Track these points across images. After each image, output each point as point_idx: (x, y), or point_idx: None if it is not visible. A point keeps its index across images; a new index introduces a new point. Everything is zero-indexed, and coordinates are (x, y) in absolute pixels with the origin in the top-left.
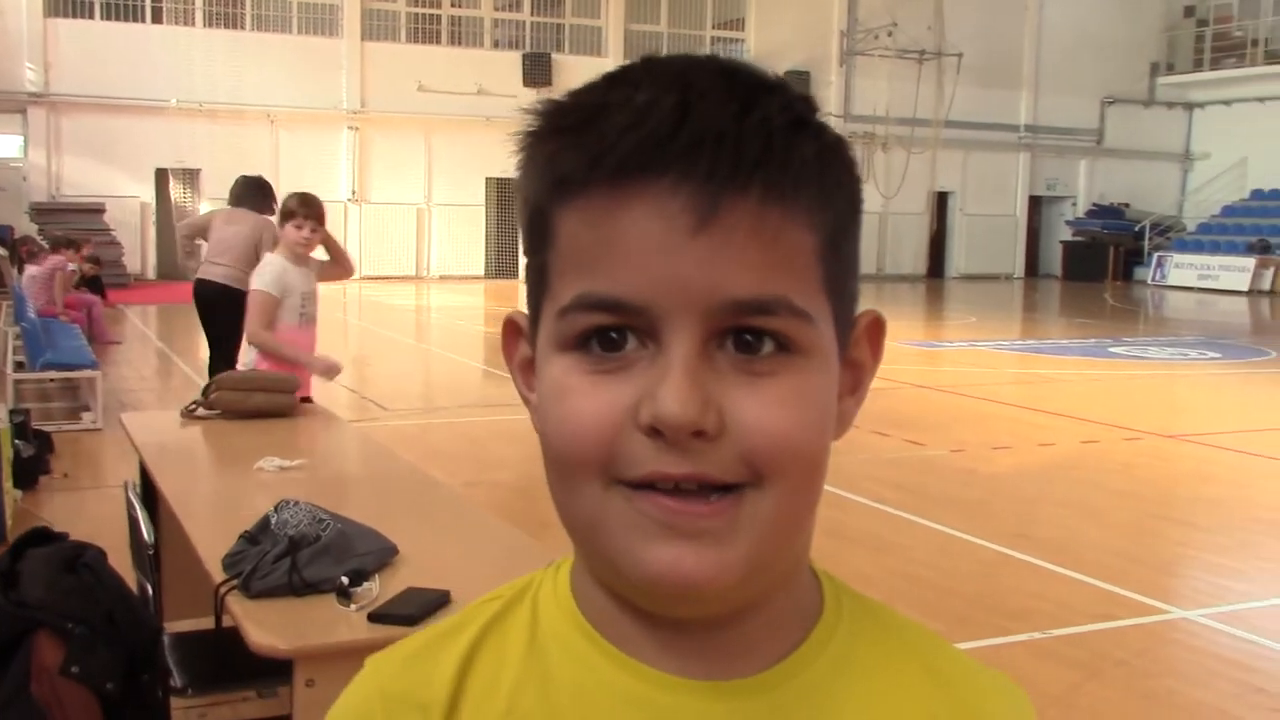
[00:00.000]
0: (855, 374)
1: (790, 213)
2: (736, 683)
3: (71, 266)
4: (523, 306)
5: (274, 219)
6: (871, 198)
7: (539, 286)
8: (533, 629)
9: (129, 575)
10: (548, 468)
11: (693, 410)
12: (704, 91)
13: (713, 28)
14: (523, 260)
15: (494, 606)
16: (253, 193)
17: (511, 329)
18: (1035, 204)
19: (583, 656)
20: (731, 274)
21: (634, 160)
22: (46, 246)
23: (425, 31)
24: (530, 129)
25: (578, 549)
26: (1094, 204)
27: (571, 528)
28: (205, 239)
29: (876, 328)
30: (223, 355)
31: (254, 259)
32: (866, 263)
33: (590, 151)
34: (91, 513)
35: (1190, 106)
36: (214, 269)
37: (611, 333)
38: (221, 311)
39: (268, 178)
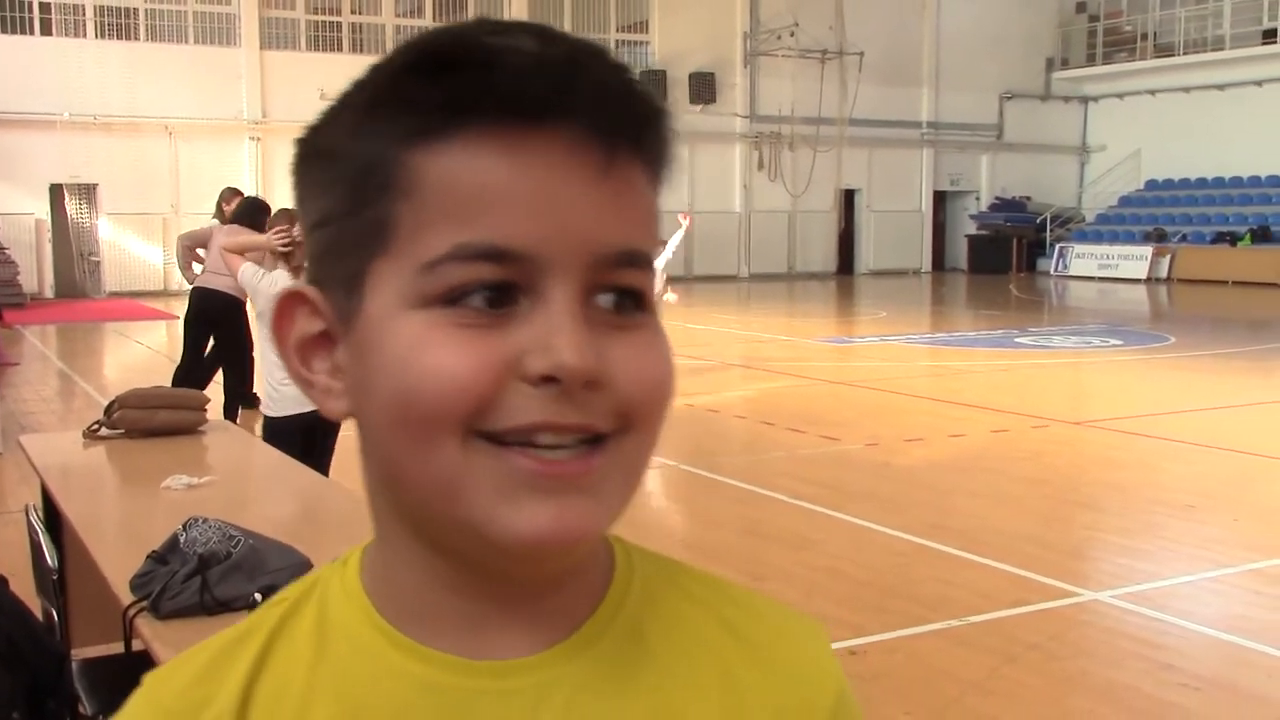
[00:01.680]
0: None
1: (652, 173)
2: (536, 658)
3: None
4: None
5: None
6: (780, 196)
7: (372, 243)
8: (321, 628)
9: (33, 602)
10: (387, 431)
11: (590, 358)
12: (578, 46)
13: (616, 30)
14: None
15: (280, 610)
16: (252, 212)
17: (295, 302)
18: (940, 199)
19: (374, 649)
20: (616, 225)
21: (545, 104)
22: None
23: (326, 39)
24: (392, 66)
25: (409, 529)
26: (996, 198)
27: (419, 495)
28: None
29: None
30: (229, 361)
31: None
32: (777, 261)
33: (492, 90)
34: None
35: (1085, 100)
36: (221, 279)
37: (490, 289)
38: (226, 321)
39: (168, 190)
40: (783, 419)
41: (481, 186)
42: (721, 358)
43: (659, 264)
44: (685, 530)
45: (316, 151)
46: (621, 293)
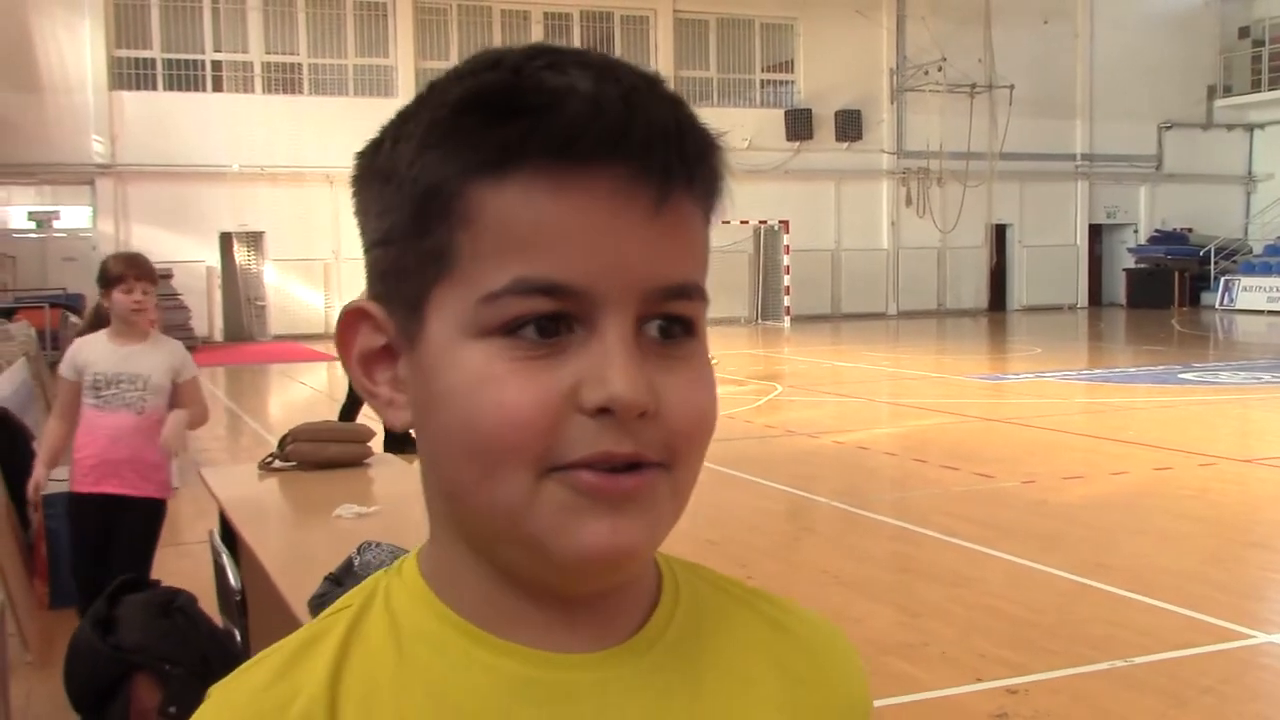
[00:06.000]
0: None
1: (703, 208)
2: (613, 651)
3: None
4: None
5: None
6: (928, 233)
7: (433, 268)
8: (395, 633)
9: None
10: (454, 458)
11: (641, 391)
12: (634, 86)
13: (762, 70)
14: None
15: (346, 615)
16: None
17: (358, 316)
18: (1096, 232)
19: (456, 648)
20: (668, 260)
21: (600, 146)
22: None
23: None
24: (450, 98)
25: (466, 539)
26: (1156, 230)
27: (485, 518)
28: None
29: None
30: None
31: None
32: (926, 298)
33: (550, 133)
34: (171, 569)
35: (1250, 128)
36: None
37: (547, 320)
38: None
39: (329, 236)
40: (935, 456)
41: (538, 223)
42: (870, 395)
43: None
44: (838, 566)
45: (375, 172)
46: (670, 320)
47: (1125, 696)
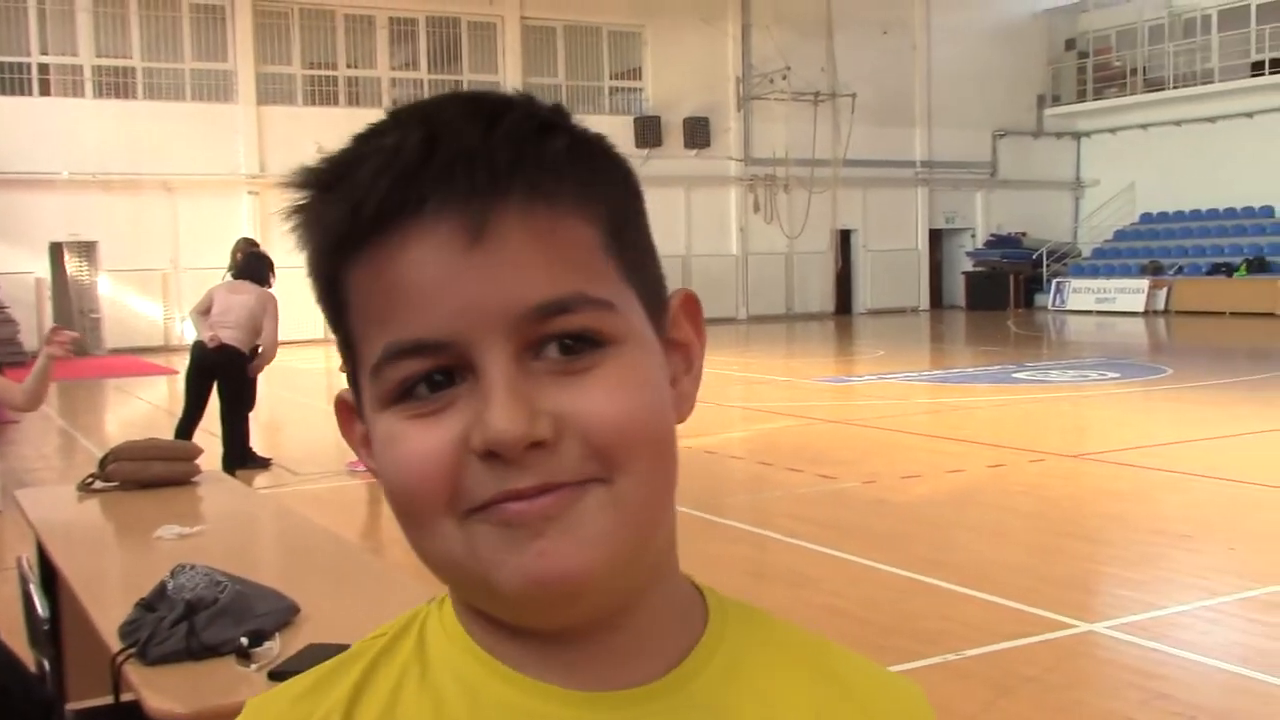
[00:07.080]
0: (684, 354)
1: (557, 209)
2: (634, 691)
3: None
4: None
5: (273, 291)
6: (776, 238)
7: (349, 355)
8: (422, 660)
9: (27, 655)
10: (399, 519)
11: (521, 423)
12: (448, 121)
13: (610, 78)
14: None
15: (380, 642)
16: (255, 266)
17: (344, 409)
18: (936, 237)
19: (478, 681)
20: (519, 281)
21: (391, 200)
22: None
23: (322, 93)
24: (296, 201)
25: (449, 588)
26: (992, 234)
27: (436, 568)
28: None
29: (691, 304)
30: (231, 411)
31: (255, 328)
32: (775, 303)
33: (350, 204)
34: None
35: (1078, 136)
36: (225, 331)
37: (430, 376)
38: (227, 371)
39: (167, 245)
40: (780, 459)
41: (385, 289)
42: (720, 400)
43: None
44: (686, 572)
45: (308, 272)
46: (569, 337)
47: (955, 687)
